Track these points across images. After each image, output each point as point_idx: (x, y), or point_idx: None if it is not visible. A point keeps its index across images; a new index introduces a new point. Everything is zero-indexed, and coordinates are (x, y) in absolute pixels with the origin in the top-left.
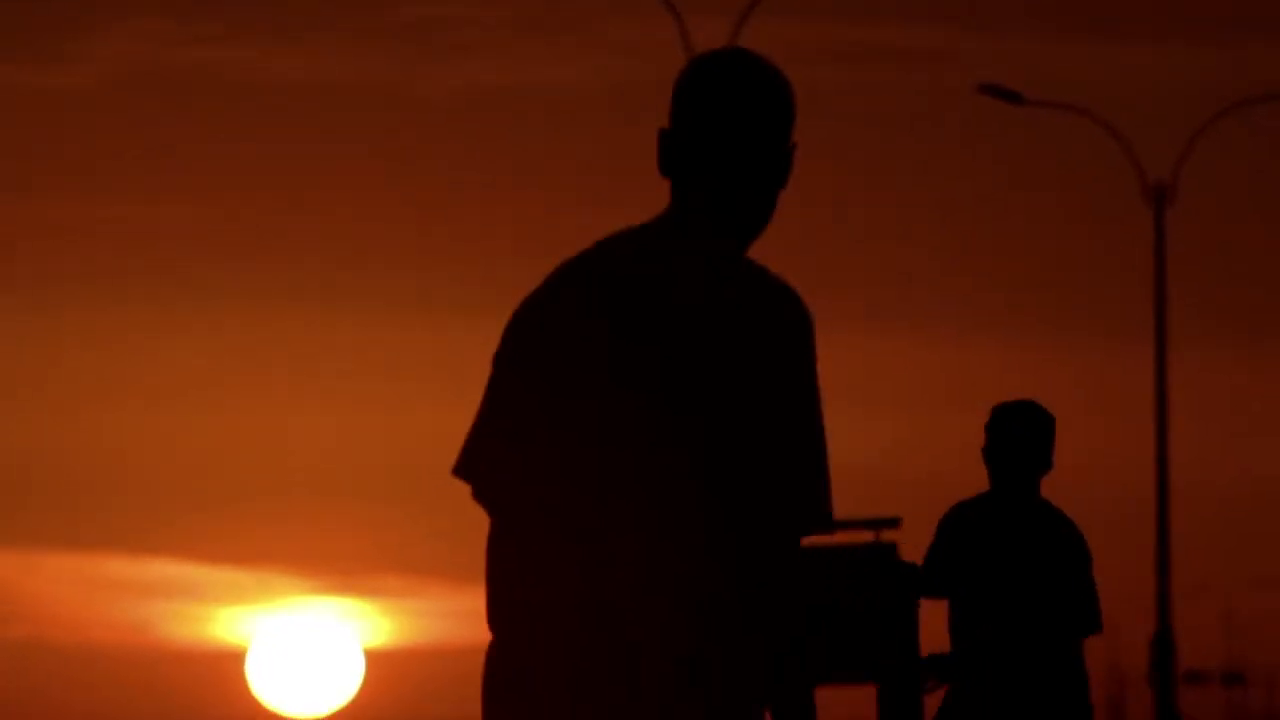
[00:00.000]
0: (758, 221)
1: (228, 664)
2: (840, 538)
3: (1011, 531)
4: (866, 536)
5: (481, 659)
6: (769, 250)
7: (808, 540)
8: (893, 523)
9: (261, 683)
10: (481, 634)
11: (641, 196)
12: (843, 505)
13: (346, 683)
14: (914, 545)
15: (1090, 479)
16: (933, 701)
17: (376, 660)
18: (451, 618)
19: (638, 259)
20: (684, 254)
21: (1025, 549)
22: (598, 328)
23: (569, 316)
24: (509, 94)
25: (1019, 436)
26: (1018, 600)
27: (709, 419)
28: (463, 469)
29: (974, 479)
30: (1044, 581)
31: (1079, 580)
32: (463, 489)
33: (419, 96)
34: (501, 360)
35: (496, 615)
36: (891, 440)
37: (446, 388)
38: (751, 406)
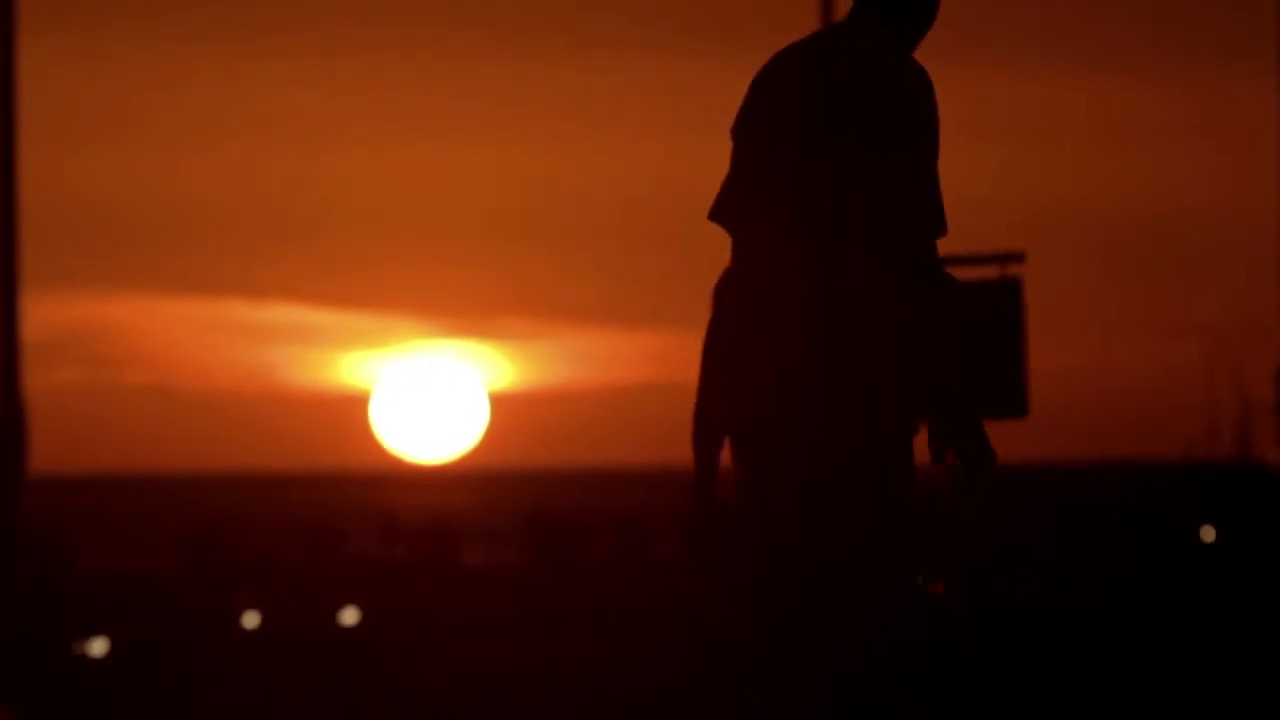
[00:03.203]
0: (913, 23)
1: (351, 408)
2: (967, 273)
3: None
4: (992, 271)
5: (610, 401)
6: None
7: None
8: (1018, 257)
9: (385, 427)
10: (609, 376)
11: None
12: (967, 240)
13: (470, 427)
14: (1040, 279)
15: (1215, 208)
16: None
17: (501, 403)
18: (579, 359)
19: (818, 47)
20: (850, 44)
21: None
22: (776, 99)
23: (762, 91)
24: None
25: None
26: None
27: (853, 160)
28: (713, 214)
29: (1100, 212)
30: None
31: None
32: (589, 229)
33: None
34: (734, 128)
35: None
36: (1021, 173)
37: (573, 128)
38: (885, 147)
